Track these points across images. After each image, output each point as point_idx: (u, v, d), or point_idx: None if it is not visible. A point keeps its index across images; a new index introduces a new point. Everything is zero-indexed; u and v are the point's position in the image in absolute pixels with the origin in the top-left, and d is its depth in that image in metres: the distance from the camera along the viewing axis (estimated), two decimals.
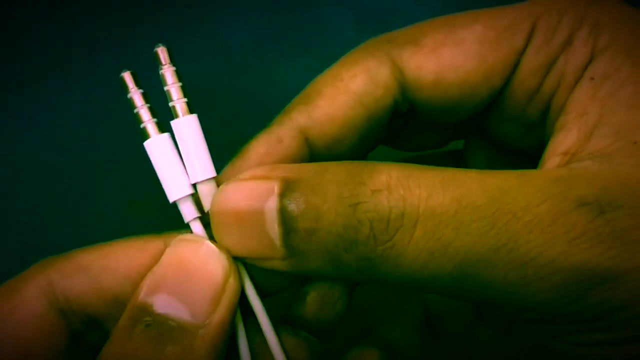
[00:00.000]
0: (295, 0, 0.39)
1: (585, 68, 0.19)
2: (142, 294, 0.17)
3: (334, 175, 0.17)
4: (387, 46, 0.21)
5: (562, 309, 0.16)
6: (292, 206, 0.17)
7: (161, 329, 0.17)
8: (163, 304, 0.17)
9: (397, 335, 0.24)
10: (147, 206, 0.33)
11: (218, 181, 0.20)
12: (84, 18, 0.39)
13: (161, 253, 0.19)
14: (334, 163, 0.18)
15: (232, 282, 0.18)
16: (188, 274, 0.18)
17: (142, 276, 0.19)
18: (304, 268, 0.18)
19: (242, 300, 0.19)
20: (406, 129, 0.24)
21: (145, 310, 0.17)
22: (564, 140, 0.19)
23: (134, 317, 0.17)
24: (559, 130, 0.19)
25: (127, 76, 0.20)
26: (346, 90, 0.20)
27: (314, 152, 0.21)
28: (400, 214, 0.16)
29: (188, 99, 0.20)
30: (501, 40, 0.20)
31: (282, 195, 0.17)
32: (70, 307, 0.19)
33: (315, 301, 0.21)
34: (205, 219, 0.20)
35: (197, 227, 0.20)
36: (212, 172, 0.20)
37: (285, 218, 0.17)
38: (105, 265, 0.19)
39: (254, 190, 0.18)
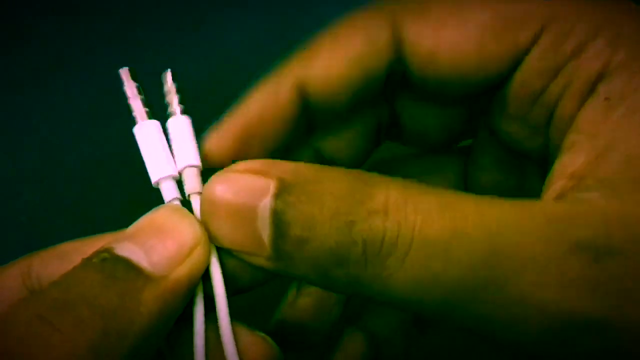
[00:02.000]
0: (295, 0, 0.39)
1: (595, 81, 0.19)
2: (106, 242, 0.18)
3: (333, 185, 0.17)
4: (392, 7, 0.21)
5: (547, 352, 0.16)
6: (287, 211, 0.17)
7: (116, 266, 0.17)
8: (125, 248, 0.17)
9: (382, 327, 0.24)
10: (147, 206, 0.33)
11: (217, 134, 0.20)
12: (84, 18, 0.39)
13: None
14: (334, 170, 0.18)
15: (200, 250, 0.18)
16: (157, 230, 0.18)
17: None
18: (290, 272, 0.18)
19: (207, 293, 0.19)
20: (408, 117, 0.24)
21: (105, 250, 0.17)
22: (572, 162, 0.18)
23: (91, 256, 0.17)
24: (567, 150, 0.19)
25: (123, 72, 0.21)
26: (344, 50, 0.20)
27: (310, 107, 0.21)
28: (394, 239, 0.16)
29: (185, 105, 0.20)
30: (505, 32, 0.20)
31: (278, 196, 0.17)
32: (40, 286, 0.19)
33: (309, 306, 0.21)
34: (185, 204, 0.20)
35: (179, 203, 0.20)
36: (197, 161, 0.20)
37: (278, 221, 0.17)
38: (81, 251, 0.19)
39: (249, 185, 0.17)
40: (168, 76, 0.21)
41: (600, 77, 0.19)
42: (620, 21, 0.19)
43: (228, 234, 0.18)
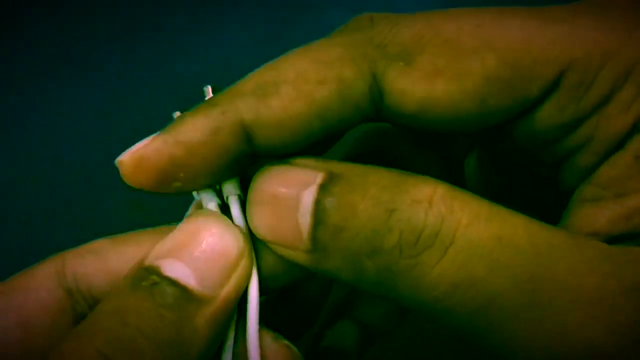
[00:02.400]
0: (295, 0, 0.39)
1: (623, 137, 0.16)
2: (151, 257, 0.17)
3: (379, 177, 0.16)
4: (375, 53, 0.17)
5: None
6: (329, 199, 0.16)
7: (166, 290, 0.16)
8: (172, 268, 0.16)
9: (373, 316, 0.23)
10: (148, 206, 0.33)
11: (140, 153, 0.18)
12: (84, 18, 0.39)
13: None
14: (382, 167, 0.17)
15: (245, 262, 0.17)
16: (201, 245, 0.17)
17: None
18: (323, 266, 0.17)
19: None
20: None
21: (152, 271, 0.16)
22: (595, 218, 0.17)
23: (139, 276, 0.16)
24: (589, 204, 0.17)
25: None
26: (308, 98, 0.17)
27: (255, 147, 0.18)
28: (434, 233, 0.15)
29: None
30: (514, 83, 0.17)
31: (322, 186, 0.16)
32: (77, 285, 0.18)
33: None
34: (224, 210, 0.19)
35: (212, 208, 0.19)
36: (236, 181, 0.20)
37: (319, 209, 0.16)
38: (115, 248, 0.19)
39: (296, 176, 0.17)
40: (209, 90, 0.20)
41: (629, 133, 0.16)
42: None
43: (270, 225, 0.17)
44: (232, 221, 0.19)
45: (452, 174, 0.24)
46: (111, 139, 0.35)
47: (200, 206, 0.20)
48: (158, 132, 0.18)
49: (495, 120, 0.17)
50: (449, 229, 0.15)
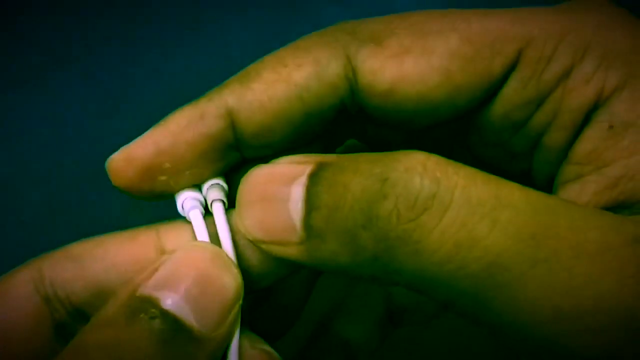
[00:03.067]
0: (295, 0, 0.39)
1: (589, 109, 0.17)
2: (148, 286, 0.16)
3: (368, 156, 0.16)
4: (347, 38, 0.18)
5: (591, 354, 0.14)
6: (320, 184, 0.16)
7: (166, 326, 0.15)
8: (172, 303, 0.16)
9: (356, 332, 0.23)
10: (148, 206, 0.33)
11: (128, 149, 0.18)
12: (84, 18, 0.39)
13: (153, 244, 0.18)
14: (371, 153, 0.17)
15: (240, 301, 0.17)
16: (201, 280, 0.16)
17: (131, 266, 0.18)
18: (319, 255, 0.16)
19: None
20: (366, 128, 0.22)
21: (151, 302, 0.16)
22: (581, 194, 0.17)
23: (135, 306, 0.16)
24: (572, 182, 0.17)
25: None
26: (287, 79, 0.18)
27: (240, 136, 0.18)
28: (431, 195, 0.15)
29: None
30: (476, 60, 0.17)
31: (312, 175, 0.16)
32: (55, 293, 0.18)
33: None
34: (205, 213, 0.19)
35: (196, 217, 0.19)
36: (222, 182, 0.19)
37: (311, 195, 0.16)
38: (93, 253, 0.18)
39: (285, 171, 0.17)
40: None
41: (595, 105, 0.17)
42: (609, 35, 0.17)
43: (261, 223, 0.17)
44: (216, 228, 0.18)
45: None
46: (111, 139, 0.35)
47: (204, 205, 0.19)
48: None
49: (463, 102, 0.18)
50: (447, 190, 0.15)
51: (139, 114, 0.34)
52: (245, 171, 0.19)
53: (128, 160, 0.18)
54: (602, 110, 0.17)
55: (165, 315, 0.15)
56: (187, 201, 0.19)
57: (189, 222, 0.19)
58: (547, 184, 0.19)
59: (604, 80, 0.17)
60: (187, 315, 0.16)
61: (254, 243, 0.18)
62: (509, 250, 0.14)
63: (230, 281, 0.17)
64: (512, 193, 0.15)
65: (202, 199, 0.19)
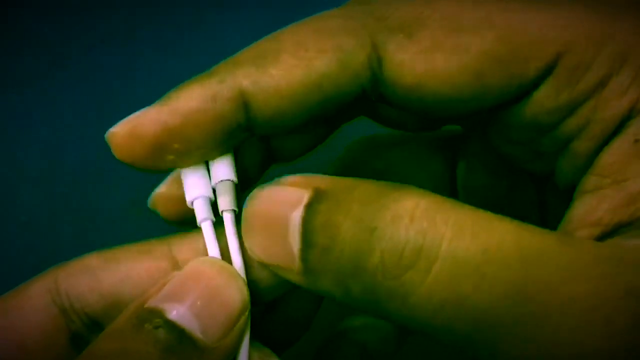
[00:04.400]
0: (295, 1, 0.39)
1: (620, 122, 0.16)
2: (156, 299, 0.16)
3: (362, 193, 0.16)
4: (375, 25, 0.17)
5: None
6: (314, 219, 0.16)
7: (170, 335, 0.16)
8: (177, 313, 0.16)
9: (373, 335, 0.23)
10: (146, 205, 0.33)
11: (133, 122, 0.18)
12: (84, 18, 0.39)
13: (166, 257, 0.19)
14: (369, 180, 0.16)
15: (247, 314, 0.17)
16: (207, 293, 0.17)
17: (145, 279, 0.18)
18: (317, 287, 0.16)
19: None
20: (379, 109, 0.22)
21: (157, 314, 0.16)
22: (596, 208, 0.16)
23: (142, 317, 0.16)
24: (590, 194, 0.17)
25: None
26: (308, 66, 0.17)
27: (252, 118, 0.18)
28: (416, 250, 0.14)
29: None
30: (512, 62, 0.17)
31: (309, 206, 0.16)
32: (71, 305, 0.18)
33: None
34: (217, 223, 0.19)
35: (207, 229, 0.19)
36: (232, 176, 0.19)
37: (306, 230, 0.16)
38: (108, 266, 0.19)
39: (285, 197, 0.16)
40: None
41: (626, 117, 0.16)
42: None
43: (264, 248, 0.17)
44: (226, 238, 0.18)
45: (443, 181, 0.23)
46: None
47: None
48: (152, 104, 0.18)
49: (491, 102, 0.17)
50: (432, 245, 0.14)
51: None
52: (254, 147, 0.19)
53: (134, 136, 0.17)
54: (631, 123, 0.16)
55: (170, 325, 0.16)
56: (197, 203, 0.19)
57: (199, 232, 0.19)
58: (568, 189, 0.19)
59: (639, 92, 0.16)
60: (192, 326, 0.16)
61: (261, 263, 0.18)
62: (496, 308, 0.14)
63: (236, 294, 0.17)
64: (503, 241, 0.14)
65: (211, 193, 0.19)
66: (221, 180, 0.19)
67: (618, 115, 0.16)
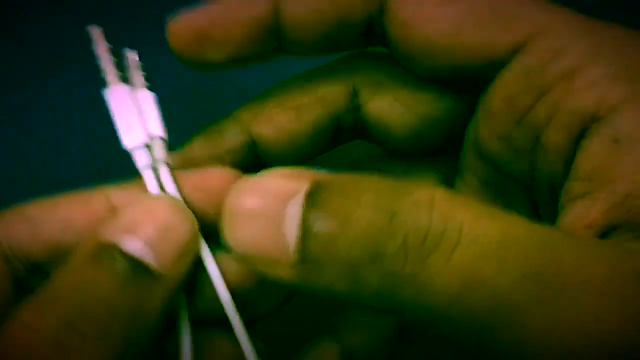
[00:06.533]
0: None
1: (589, 116, 0.17)
2: (109, 233, 0.17)
3: (372, 184, 0.16)
4: None
5: None
6: (319, 208, 0.16)
7: (128, 266, 0.17)
8: (132, 245, 0.17)
9: (360, 341, 0.22)
10: None
11: (185, 15, 0.21)
12: (83, 18, 0.39)
13: (104, 204, 0.20)
14: (372, 175, 0.16)
15: (196, 244, 0.19)
16: (159, 225, 0.18)
17: (85, 226, 0.19)
18: (314, 281, 0.16)
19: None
20: (371, 112, 0.23)
21: (112, 247, 0.17)
22: (589, 211, 0.17)
23: (98, 253, 0.17)
24: (580, 199, 0.17)
25: (95, 32, 0.21)
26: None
27: (281, 24, 0.20)
28: (439, 233, 0.15)
29: (150, 83, 0.22)
30: (487, 26, 0.18)
31: (310, 195, 0.16)
32: (12, 252, 0.19)
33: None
34: (155, 172, 0.20)
35: (149, 175, 0.20)
36: (164, 133, 0.21)
37: (308, 220, 0.16)
38: (48, 216, 0.20)
39: (278, 188, 0.16)
40: (133, 55, 0.22)
41: (595, 114, 0.17)
42: (624, 50, 0.17)
43: (250, 240, 0.17)
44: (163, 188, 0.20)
45: None
46: (111, 139, 0.35)
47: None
48: None
49: (465, 64, 0.18)
50: (454, 229, 0.15)
51: None
52: (247, 157, 0.20)
53: (186, 25, 0.21)
54: (605, 123, 0.17)
55: (126, 257, 0.17)
56: (138, 153, 0.21)
57: (136, 182, 0.20)
58: (548, 194, 0.19)
59: (608, 89, 0.17)
60: (147, 257, 0.17)
61: (241, 259, 0.18)
62: (516, 289, 0.14)
63: (187, 224, 0.18)
64: (518, 229, 0.15)
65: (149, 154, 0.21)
66: (159, 136, 0.21)
67: (585, 109, 0.17)
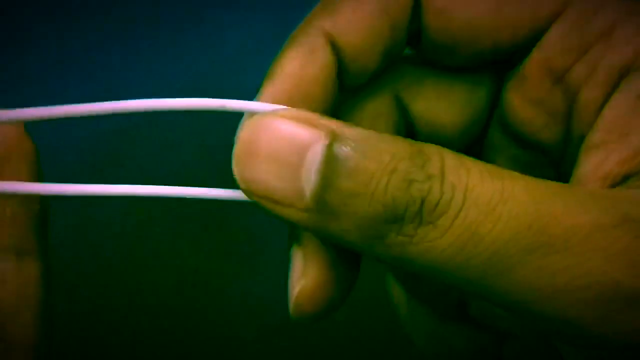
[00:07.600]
0: (295, 1, 0.39)
1: (624, 71, 0.18)
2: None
3: (390, 146, 0.16)
4: None
5: (587, 330, 0.16)
6: (341, 161, 0.16)
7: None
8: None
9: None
10: (148, 204, 0.33)
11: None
12: (83, 18, 0.39)
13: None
14: (388, 135, 0.17)
15: None
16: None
17: None
18: (327, 228, 0.17)
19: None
20: (418, 111, 0.23)
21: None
22: (605, 162, 0.18)
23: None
24: (596, 149, 0.18)
25: None
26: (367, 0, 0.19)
27: (343, 65, 0.20)
28: (448, 200, 0.16)
29: None
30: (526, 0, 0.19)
31: (331, 145, 0.16)
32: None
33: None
34: None
35: None
36: None
37: (328, 171, 0.16)
38: None
39: (297, 133, 0.16)
40: None
41: (628, 68, 0.18)
42: None
43: (263, 179, 0.17)
44: None
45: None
46: (112, 139, 0.35)
47: None
48: None
49: (507, 38, 0.19)
50: (460, 194, 0.16)
51: (138, 114, 0.34)
52: None
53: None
54: (633, 78, 0.18)
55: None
56: None
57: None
58: (576, 146, 0.20)
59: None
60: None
61: (249, 195, 0.17)
62: (509, 241, 0.15)
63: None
64: (515, 185, 0.16)
65: None
66: None
67: (622, 63, 0.18)
